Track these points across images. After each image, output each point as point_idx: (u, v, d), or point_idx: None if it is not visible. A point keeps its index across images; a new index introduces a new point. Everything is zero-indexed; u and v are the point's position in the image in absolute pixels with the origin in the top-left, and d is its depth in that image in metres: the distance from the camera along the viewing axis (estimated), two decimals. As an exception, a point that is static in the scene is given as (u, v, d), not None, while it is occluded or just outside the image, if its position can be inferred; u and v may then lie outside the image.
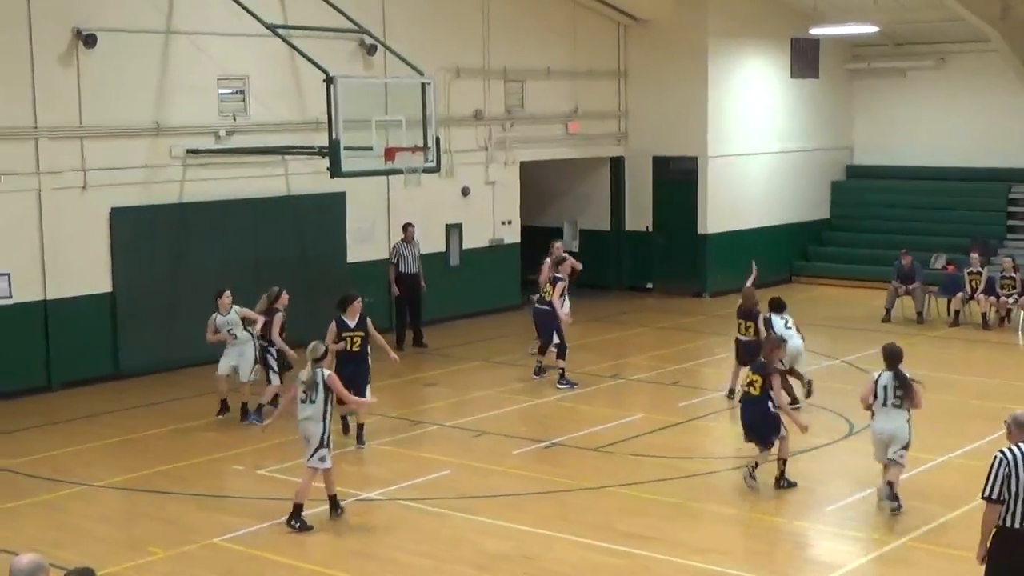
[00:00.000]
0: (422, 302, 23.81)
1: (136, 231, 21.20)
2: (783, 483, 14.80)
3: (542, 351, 20.68)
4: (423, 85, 20.62)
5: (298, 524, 13.53)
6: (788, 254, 31.53)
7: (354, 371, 16.35)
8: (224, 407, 18.36)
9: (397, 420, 18.33)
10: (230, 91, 22.47)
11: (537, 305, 20.80)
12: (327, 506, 13.89)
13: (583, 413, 18.68)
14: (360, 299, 17.11)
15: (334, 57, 22.16)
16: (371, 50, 24.02)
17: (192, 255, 21.88)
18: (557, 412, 18.85)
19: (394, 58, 22.31)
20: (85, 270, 20.70)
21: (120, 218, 21.01)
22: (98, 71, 20.62)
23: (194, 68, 21.78)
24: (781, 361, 15.50)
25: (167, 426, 18.08)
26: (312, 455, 13.59)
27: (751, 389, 14.73)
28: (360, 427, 17.04)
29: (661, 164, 29.88)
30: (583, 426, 17.78)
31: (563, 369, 20.24)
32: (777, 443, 14.76)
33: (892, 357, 13.86)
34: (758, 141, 30.43)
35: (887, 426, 13.82)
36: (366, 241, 24.58)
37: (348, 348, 16.59)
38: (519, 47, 27.42)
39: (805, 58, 31.34)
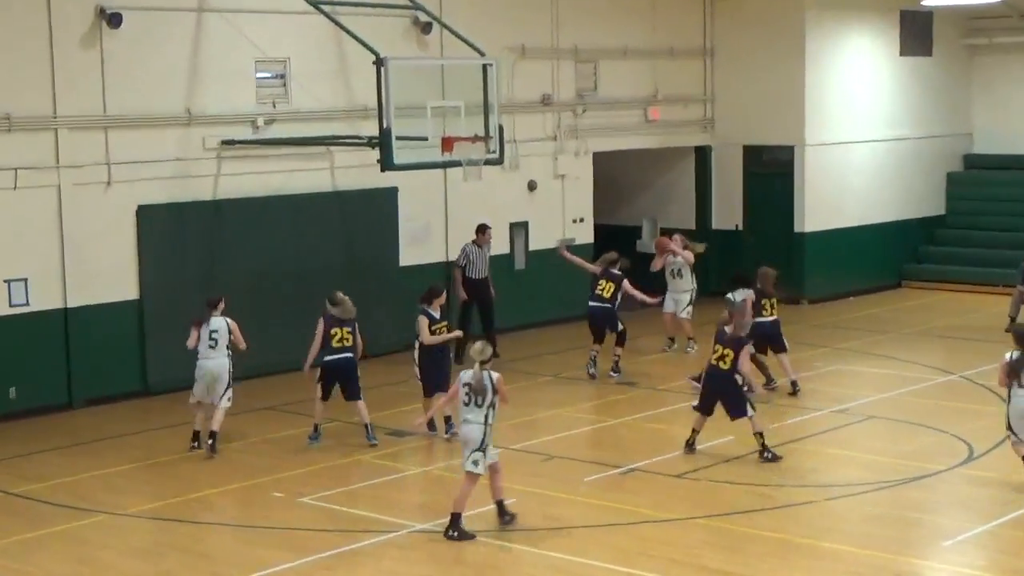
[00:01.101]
0: (494, 309, 23.83)
1: (166, 231, 21.38)
2: (767, 455, 16.68)
3: (619, 343, 21.95)
4: (484, 67, 20.61)
5: (456, 533, 14.14)
6: (897, 256, 31.26)
7: (442, 361, 18.12)
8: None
9: (453, 442, 18.30)
10: (269, 75, 22.61)
11: (592, 304, 21.82)
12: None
13: (665, 435, 18.59)
14: (445, 291, 18.59)
15: (384, 36, 22.24)
16: (426, 28, 24.08)
17: (227, 258, 22.03)
18: (635, 434, 18.78)
19: (452, 37, 22.34)
20: (109, 275, 20.90)
21: (148, 217, 21.20)
22: (124, 54, 20.82)
23: (229, 50, 21.94)
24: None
25: (200, 448, 18.18)
26: (467, 458, 14.35)
27: (721, 363, 16.72)
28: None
29: (753, 154, 29.75)
30: (665, 450, 17.68)
31: (618, 357, 21.81)
32: (750, 421, 16.70)
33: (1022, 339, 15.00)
34: (863, 128, 30.19)
35: None
36: (420, 242, 24.64)
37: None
38: (592, 23, 27.39)
39: (916, 33, 31.08)
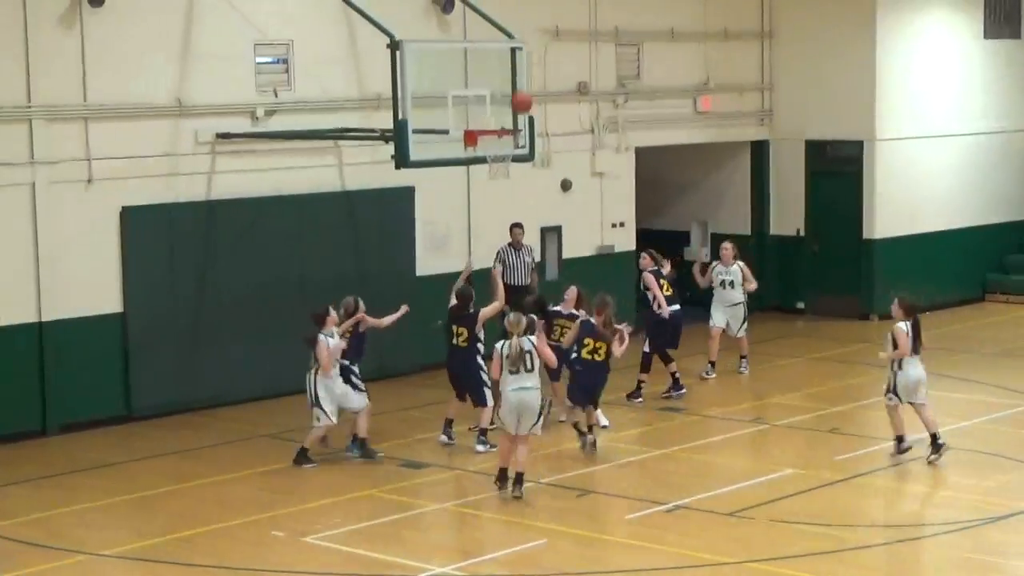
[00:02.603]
0: None
1: (153, 236, 21.44)
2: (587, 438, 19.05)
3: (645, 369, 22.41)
4: (513, 51, 20.63)
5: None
6: (980, 265, 31.17)
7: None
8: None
9: (477, 474, 18.33)
10: (270, 60, 22.68)
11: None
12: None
13: (715, 468, 18.58)
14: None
15: (401, 16, 22.24)
16: (447, 7, 24.12)
17: (222, 266, 22.09)
18: (682, 466, 18.76)
19: (476, 17, 22.37)
20: (89, 285, 20.96)
21: (133, 219, 21.25)
22: (106, 36, 20.89)
23: (225, 32, 22.02)
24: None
25: (189, 481, 18.21)
26: (536, 423, 17.08)
27: (595, 356, 18.66)
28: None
29: (816, 150, 29.72)
30: (716, 484, 17.67)
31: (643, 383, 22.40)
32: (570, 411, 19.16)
33: None
34: (941, 121, 30.14)
35: None
36: (440, 248, 24.66)
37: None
38: (635, 2, 27.43)
39: (1003, 12, 31.03)
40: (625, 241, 27.70)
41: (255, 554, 15.37)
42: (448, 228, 24.84)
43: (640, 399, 22.06)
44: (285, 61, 22.79)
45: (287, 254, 22.74)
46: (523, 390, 16.88)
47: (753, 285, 23.89)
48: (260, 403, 21.88)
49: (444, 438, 19.53)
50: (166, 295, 21.53)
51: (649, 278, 22.28)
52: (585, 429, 19.16)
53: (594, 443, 19.09)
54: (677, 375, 22.42)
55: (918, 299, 19.08)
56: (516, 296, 23.38)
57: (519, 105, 20.30)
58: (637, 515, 16.56)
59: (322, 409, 18.39)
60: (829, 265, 29.70)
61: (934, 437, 18.23)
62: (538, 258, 25.16)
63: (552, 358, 17.49)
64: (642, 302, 22.84)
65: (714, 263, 24.16)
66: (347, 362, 18.87)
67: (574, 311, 19.95)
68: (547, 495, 17.42)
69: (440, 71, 20.22)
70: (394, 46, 19.22)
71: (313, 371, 18.41)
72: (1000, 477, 17.82)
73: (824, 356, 25.64)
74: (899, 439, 18.49)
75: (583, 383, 18.97)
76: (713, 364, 23.80)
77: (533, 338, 17.16)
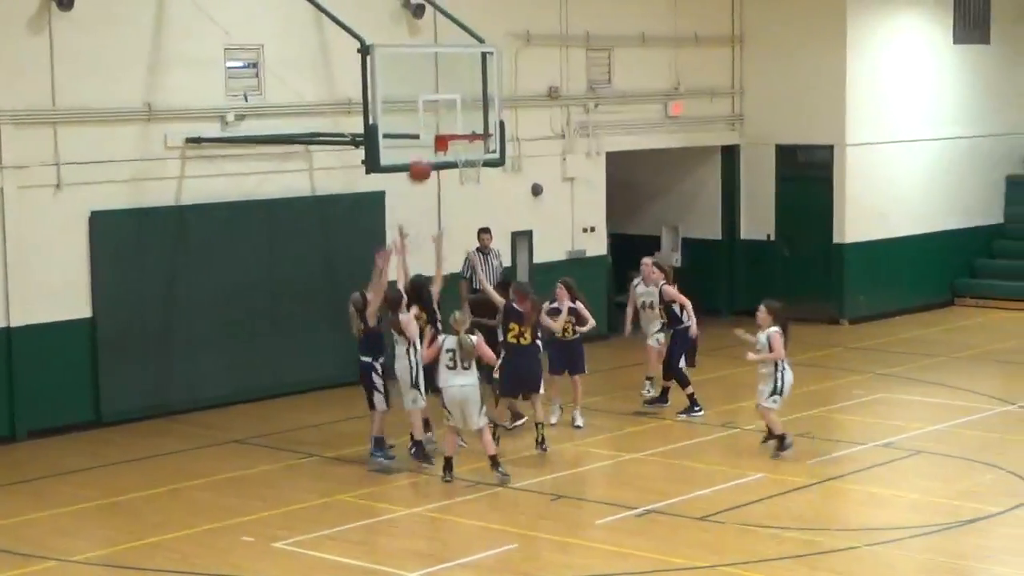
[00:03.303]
0: None
1: (123, 241, 21.38)
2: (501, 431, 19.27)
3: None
4: (484, 55, 20.65)
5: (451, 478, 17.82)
6: (949, 270, 31.25)
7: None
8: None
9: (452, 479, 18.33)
10: (240, 64, 22.64)
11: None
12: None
13: (687, 472, 18.59)
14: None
15: (371, 21, 22.27)
16: (418, 11, 24.10)
17: (193, 271, 22.03)
18: (654, 470, 18.77)
19: (447, 21, 22.39)
20: (59, 290, 20.87)
21: (103, 224, 21.19)
22: (76, 40, 20.81)
23: (195, 36, 21.95)
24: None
25: (160, 486, 18.16)
26: (481, 412, 17.88)
27: (521, 340, 19.23)
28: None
29: (786, 155, 29.78)
30: (686, 488, 17.67)
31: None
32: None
33: None
34: (911, 125, 30.22)
35: None
36: (411, 253, 24.58)
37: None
38: (606, 6, 27.45)
39: (972, 17, 31.15)
40: (596, 246, 27.71)
41: (224, 560, 15.31)
42: (417, 234, 24.75)
43: (700, 409, 21.38)
44: (255, 65, 22.75)
45: (257, 259, 22.68)
46: (462, 387, 17.65)
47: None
48: (230, 408, 21.84)
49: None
50: (136, 300, 21.46)
51: (672, 290, 21.50)
52: (520, 412, 20.06)
53: (542, 441, 19.34)
54: (693, 394, 21.58)
55: (783, 304, 19.39)
56: (487, 305, 23.38)
57: (416, 175, 20.47)
58: (608, 520, 16.55)
59: (419, 390, 18.46)
60: (799, 269, 29.72)
61: (782, 437, 18.88)
62: (507, 263, 25.18)
63: (491, 356, 18.39)
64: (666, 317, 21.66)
65: (636, 281, 22.44)
66: (369, 359, 18.70)
67: (559, 305, 20.28)
68: (519, 499, 17.42)
69: (411, 76, 20.21)
70: (364, 51, 19.24)
71: (407, 350, 18.44)
72: (971, 480, 17.87)
73: (794, 360, 25.56)
74: (782, 438, 18.89)
75: (510, 369, 19.36)
76: (651, 379, 22.45)
77: (475, 338, 17.73)
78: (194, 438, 20.39)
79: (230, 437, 20.48)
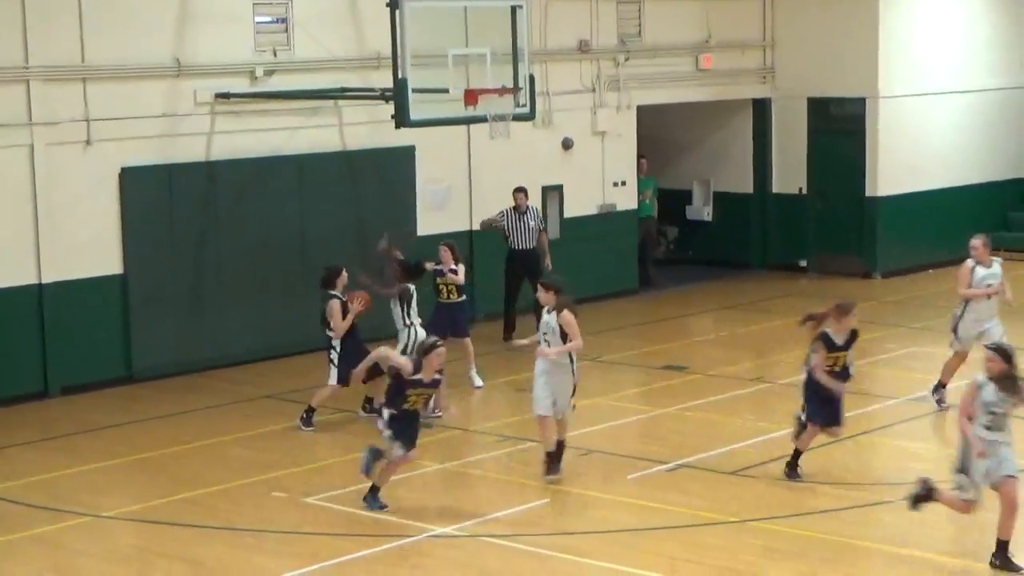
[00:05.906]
0: None
1: (153, 197, 21.41)
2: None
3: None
4: (513, 8, 20.55)
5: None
6: (984, 223, 31.00)
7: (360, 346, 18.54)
8: None
9: (481, 435, 18.32)
10: (269, 19, 22.60)
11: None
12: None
13: (718, 427, 18.58)
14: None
15: (400, -26, 22.21)
16: (447, -35, 24.04)
17: (222, 227, 22.06)
18: (685, 425, 18.76)
19: (476, -26, 22.31)
20: (89, 246, 20.95)
21: (133, 180, 21.22)
22: (104, -5, 20.86)
23: (224, -9, 21.97)
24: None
25: (191, 442, 18.24)
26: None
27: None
28: None
29: (819, 108, 29.66)
30: (718, 443, 17.69)
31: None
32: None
33: None
34: (945, 77, 30.05)
35: None
36: (441, 208, 24.62)
37: None
38: (636, -41, 27.35)
39: (1008, -33, 30.94)
40: (627, 200, 27.64)
41: (256, 515, 15.37)
42: (448, 188, 24.79)
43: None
44: (284, 20, 22.71)
45: (287, 215, 22.70)
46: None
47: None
48: (261, 364, 21.90)
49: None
50: (166, 256, 21.51)
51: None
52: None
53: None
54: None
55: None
56: (524, 260, 23.39)
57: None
58: (640, 474, 16.56)
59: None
60: (831, 223, 29.65)
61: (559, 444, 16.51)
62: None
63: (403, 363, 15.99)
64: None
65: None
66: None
67: (453, 266, 20.15)
68: (550, 455, 17.44)
69: (440, 29, 20.14)
70: (393, 4, 19.16)
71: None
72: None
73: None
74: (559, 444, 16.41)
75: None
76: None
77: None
78: (225, 394, 20.44)
79: (261, 393, 20.53)
